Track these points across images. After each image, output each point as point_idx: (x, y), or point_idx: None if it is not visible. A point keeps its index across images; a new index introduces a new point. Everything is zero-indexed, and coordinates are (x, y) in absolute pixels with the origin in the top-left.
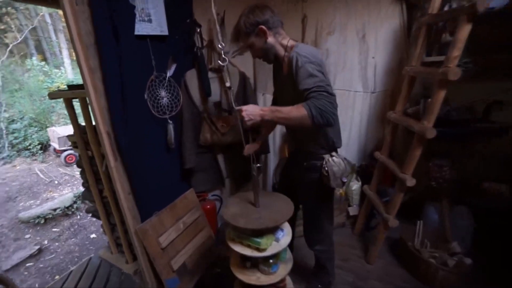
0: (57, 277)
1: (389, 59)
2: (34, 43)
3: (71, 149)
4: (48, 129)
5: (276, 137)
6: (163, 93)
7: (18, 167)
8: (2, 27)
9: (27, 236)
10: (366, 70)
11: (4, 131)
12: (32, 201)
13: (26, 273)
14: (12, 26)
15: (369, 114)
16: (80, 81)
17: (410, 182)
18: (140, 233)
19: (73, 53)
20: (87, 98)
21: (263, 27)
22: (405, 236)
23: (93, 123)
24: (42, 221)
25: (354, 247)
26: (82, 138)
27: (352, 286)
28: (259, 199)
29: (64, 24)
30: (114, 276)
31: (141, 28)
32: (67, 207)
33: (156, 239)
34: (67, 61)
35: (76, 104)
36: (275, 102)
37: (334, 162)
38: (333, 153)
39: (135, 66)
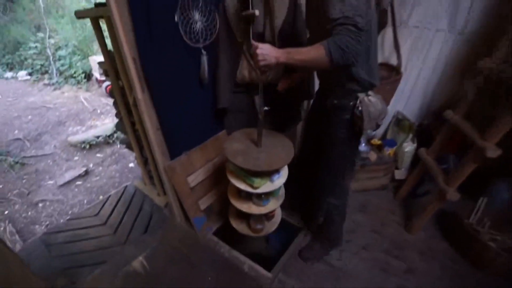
0: (101, 197)
1: None
2: None
3: None
4: (89, 58)
5: None
6: (197, 16)
7: (66, 94)
8: None
9: (76, 158)
10: (460, 1)
11: (51, 57)
12: (78, 127)
13: (76, 190)
14: None
15: (447, 62)
16: None
17: (493, 152)
18: (168, 170)
19: None
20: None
21: None
22: (460, 212)
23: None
24: (88, 146)
25: (394, 212)
26: (112, 66)
27: (386, 253)
28: (263, 139)
29: None
30: (147, 206)
31: None
32: (108, 136)
33: (184, 178)
34: None
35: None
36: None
37: (371, 101)
38: (369, 92)
39: None
